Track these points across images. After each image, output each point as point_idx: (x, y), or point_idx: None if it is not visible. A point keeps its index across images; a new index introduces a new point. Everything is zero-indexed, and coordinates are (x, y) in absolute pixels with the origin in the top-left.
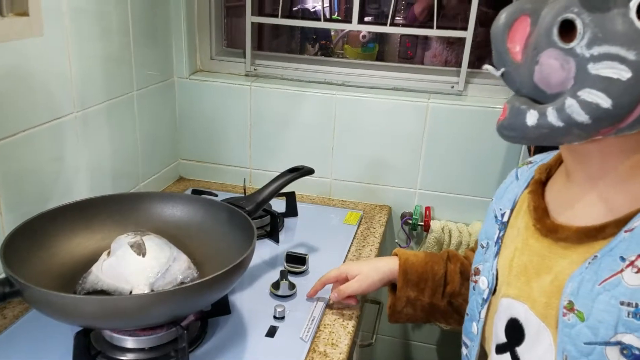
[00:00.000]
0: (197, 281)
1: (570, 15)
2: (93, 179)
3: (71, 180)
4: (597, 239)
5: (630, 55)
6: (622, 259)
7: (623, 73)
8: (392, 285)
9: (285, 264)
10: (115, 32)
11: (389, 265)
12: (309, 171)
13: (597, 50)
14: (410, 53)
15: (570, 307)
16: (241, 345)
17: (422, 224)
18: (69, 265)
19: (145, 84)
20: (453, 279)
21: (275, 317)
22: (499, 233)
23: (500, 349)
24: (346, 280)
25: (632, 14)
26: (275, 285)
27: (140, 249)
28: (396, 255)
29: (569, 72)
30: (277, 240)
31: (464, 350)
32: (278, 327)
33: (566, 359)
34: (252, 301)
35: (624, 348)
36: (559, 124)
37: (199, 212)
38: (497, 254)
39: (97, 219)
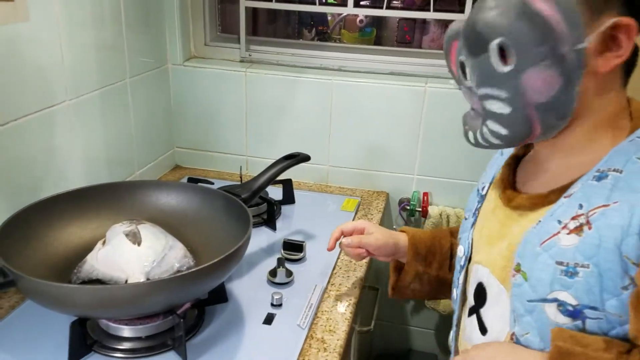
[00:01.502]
0: (193, 269)
1: (461, 58)
2: (87, 167)
3: (65, 169)
4: (544, 205)
5: (503, 94)
6: (559, 222)
7: (505, 109)
8: (395, 264)
9: (282, 251)
10: (107, 19)
11: (399, 235)
12: (305, 158)
13: (482, 90)
14: (408, 37)
15: (518, 269)
16: (238, 333)
17: (420, 209)
18: (63, 254)
19: (138, 71)
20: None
21: (272, 305)
22: (477, 205)
23: (470, 312)
24: (362, 233)
25: (493, 57)
26: (273, 273)
27: (135, 238)
28: (403, 232)
29: (477, 104)
30: (274, 228)
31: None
32: (275, 314)
33: (516, 317)
34: (249, 289)
35: (560, 304)
36: (485, 143)
37: (195, 200)
38: (474, 224)
39: (91, 208)
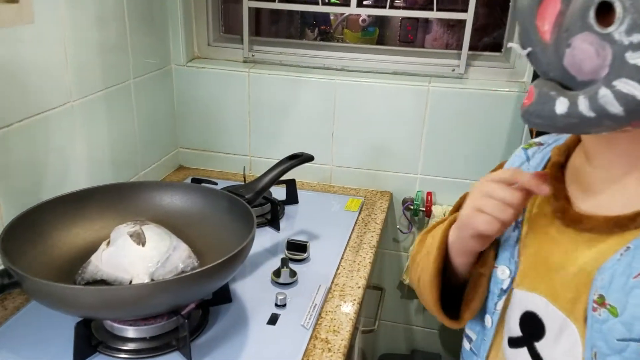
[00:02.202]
0: (197, 270)
1: None
2: (92, 168)
3: (69, 170)
4: (629, 229)
5: None
6: None
7: None
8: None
9: (286, 251)
10: (111, 20)
11: None
12: (309, 158)
13: (637, 37)
14: (411, 37)
15: (602, 302)
16: (243, 333)
17: (424, 209)
18: (68, 255)
19: (142, 72)
20: None
21: (276, 305)
22: (519, 217)
23: (514, 343)
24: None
25: None
26: (277, 273)
27: (139, 239)
28: None
29: (604, 59)
30: (277, 228)
31: (466, 345)
32: (279, 314)
33: (595, 355)
34: (253, 289)
35: None
36: (590, 114)
37: (199, 200)
38: (518, 239)
39: (95, 209)
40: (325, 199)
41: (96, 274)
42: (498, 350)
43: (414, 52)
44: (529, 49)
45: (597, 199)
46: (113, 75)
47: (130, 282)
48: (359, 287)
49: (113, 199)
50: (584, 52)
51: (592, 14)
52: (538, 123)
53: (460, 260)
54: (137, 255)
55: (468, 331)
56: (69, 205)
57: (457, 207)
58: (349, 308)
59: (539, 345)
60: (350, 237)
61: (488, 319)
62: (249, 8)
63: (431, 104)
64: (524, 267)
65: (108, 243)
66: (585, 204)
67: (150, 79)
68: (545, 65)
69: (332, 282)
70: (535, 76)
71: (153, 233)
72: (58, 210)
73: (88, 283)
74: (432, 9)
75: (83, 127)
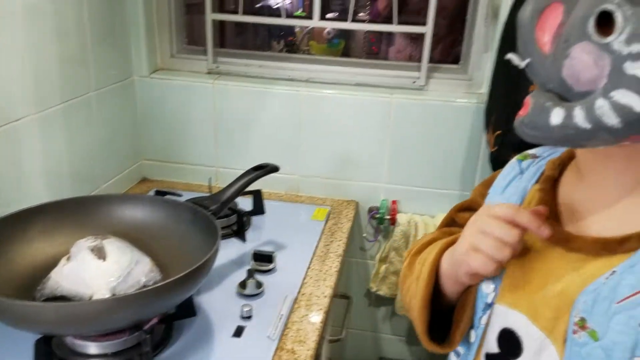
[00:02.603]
0: (159, 284)
1: (609, 7)
2: (52, 182)
3: (29, 184)
4: (617, 252)
5: None
6: None
7: None
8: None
9: (252, 262)
10: (71, 32)
11: None
12: (274, 169)
13: (636, 47)
14: (375, 49)
15: (582, 325)
16: (207, 347)
17: (389, 217)
18: (27, 271)
19: (103, 84)
20: None
21: (242, 317)
22: None
23: (491, 359)
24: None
25: None
26: (242, 285)
27: (100, 253)
28: None
29: (602, 69)
30: (243, 239)
31: (453, 359)
32: (245, 326)
33: None
34: (218, 302)
35: None
36: (587, 125)
37: (162, 213)
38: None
39: (56, 224)
40: (292, 209)
41: (56, 289)
42: None
43: (376, 65)
44: (528, 60)
45: (587, 218)
46: (73, 87)
47: (91, 297)
48: (326, 297)
49: (73, 213)
50: (582, 62)
51: (591, 23)
52: (533, 135)
53: (451, 290)
54: (98, 270)
55: (462, 347)
56: (29, 220)
57: (445, 223)
58: (315, 318)
59: None
60: (317, 247)
61: (472, 334)
62: (213, 20)
63: (394, 114)
64: (506, 283)
65: (68, 258)
66: (575, 222)
67: (112, 91)
68: (543, 76)
69: (299, 292)
70: (493, 87)
71: (114, 247)
72: (17, 225)
73: (48, 299)
74: (394, 22)
75: (42, 141)
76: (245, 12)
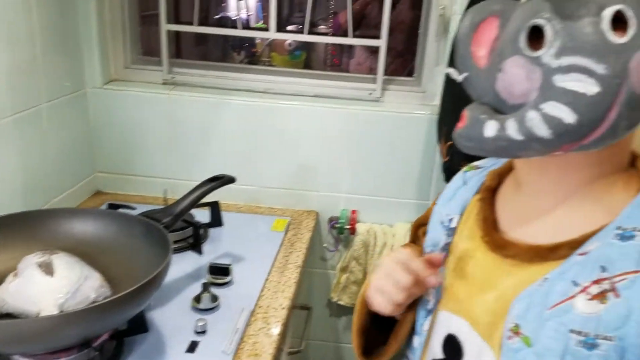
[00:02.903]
0: (108, 299)
1: (540, 21)
2: (1, 196)
3: None
4: (549, 260)
5: (600, 69)
6: (575, 283)
7: (590, 87)
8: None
9: (208, 275)
10: (20, 42)
11: None
12: (230, 180)
13: (565, 60)
14: (337, 61)
15: (516, 331)
16: None
17: (349, 227)
18: None
19: (55, 95)
20: None
21: (196, 332)
22: (447, 239)
23: None
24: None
25: (605, 24)
26: (197, 299)
27: (48, 269)
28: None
29: (533, 82)
30: (200, 252)
31: None
32: (199, 341)
33: None
34: (172, 317)
35: None
36: (519, 137)
37: (112, 227)
38: (452, 261)
39: (3, 239)
40: (251, 220)
41: (2, 307)
42: None
43: (334, 77)
44: (465, 75)
45: (523, 227)
46: (23, 99)
47: (38, 314)
48: (284, 308)
49: (21, 228)
50: (515, 75)
51: (523, 37)
52: (469, 146)
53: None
54: (46, 286)
55: (407, 351)
56: None
57: (411, 240)
58: (272, 330)
59: None
60: (275, 258)
61: (416, 340)
62: (168, 31)
63: (352, 126)
64: (449, 290)
65: (15, 274)
66: (513, 230)
67: (64, 102)
68: (479, 90)
69: (256, 304)
70: (444, 99)
71: (63, 262)
72: None
73: None
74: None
75: None
76: (203, 24)
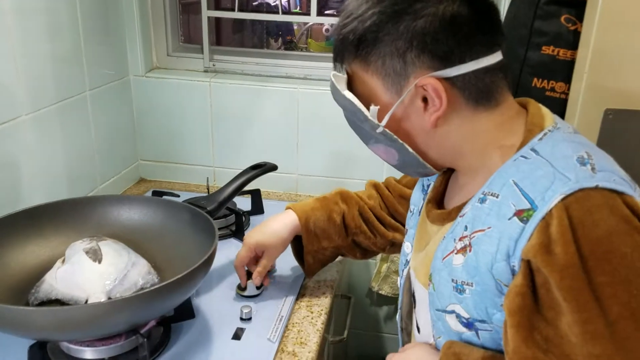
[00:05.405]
0: (156, 286)
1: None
2: (47, 184)
3: (23, 186)
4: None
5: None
6: (454, 240)
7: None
8: (295, 250)
9: None
10: (64, 30)
11: (287, 226)
12: (272, 167)
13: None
14: None
15: (430, 279)
16: (206, 350)
17: None
18: (21, 274)
19: (99, 83)
20: (353, 221)
21: (241, 319)
22: (421, 204)
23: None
24: (257, 256)
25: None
26: (241, 286)
27: (96, 255)
28: (290, 209)
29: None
30: (242, 239)
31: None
32: (245, 328)
33: (433, 322)
34: (217, 303)
35: (457, 316)
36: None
37: (158, 214)
38: (417, 223)
39: (50, 226)
40: None
41: (50, 293)
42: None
43: None
44: None
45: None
46: (67, 87)
47: (86, 301)
48: (327, 297)
49: (68, 215)
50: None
51: None
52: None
53: None
54: (94, 273)
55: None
56: (22, 222)
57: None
58: (316, 319)
59: (415, 312)
60: None
61: (398, 281)
62: (209, 17)
63: None
64: (414, 245)
65: (63, 261)
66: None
67: (107, 90)
68: None
69: (299, 292)
70: None
71: (110, 249)
72: (10, 228)
73: (42, 303)
74: None
75: (37, 141)
76: (243, 10)
